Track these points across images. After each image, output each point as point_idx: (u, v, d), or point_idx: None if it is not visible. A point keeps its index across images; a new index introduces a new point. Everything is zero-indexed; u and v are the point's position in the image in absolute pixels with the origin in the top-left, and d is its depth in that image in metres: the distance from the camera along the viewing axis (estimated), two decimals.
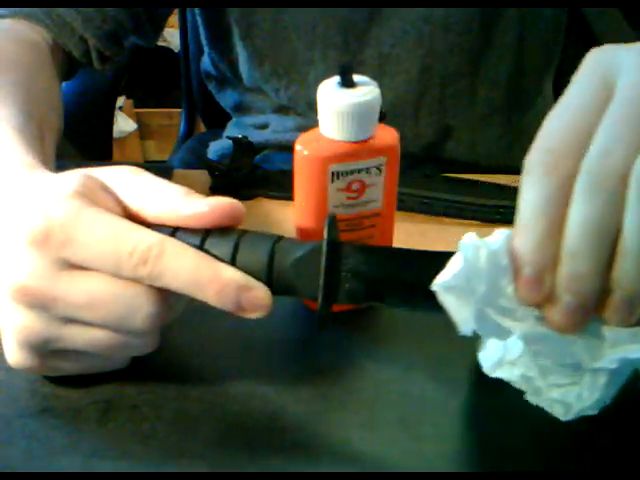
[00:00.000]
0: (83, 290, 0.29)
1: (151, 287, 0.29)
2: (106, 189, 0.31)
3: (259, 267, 0.30)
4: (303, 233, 0.37)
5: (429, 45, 0.61)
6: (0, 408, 0.33)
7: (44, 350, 0.31)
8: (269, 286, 0.30)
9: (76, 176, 0.31)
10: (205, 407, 0.33)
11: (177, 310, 0.32)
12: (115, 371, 0.35)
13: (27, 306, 0.29)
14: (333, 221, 0.31)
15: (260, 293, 0.29)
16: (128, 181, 0.32)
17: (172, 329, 0.34)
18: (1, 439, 0.32)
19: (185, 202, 0.31)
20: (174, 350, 0.37)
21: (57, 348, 0.31)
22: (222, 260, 0.30)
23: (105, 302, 0.29)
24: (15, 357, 0.31)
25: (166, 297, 0.30)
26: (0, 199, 0.33)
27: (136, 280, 0.29)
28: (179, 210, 0.30)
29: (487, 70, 0.63)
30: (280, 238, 0.32)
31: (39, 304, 0.29)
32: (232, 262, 0.30)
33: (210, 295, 0.29)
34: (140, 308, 0.29)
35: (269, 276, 0.30)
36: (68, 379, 0.34)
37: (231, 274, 0.29)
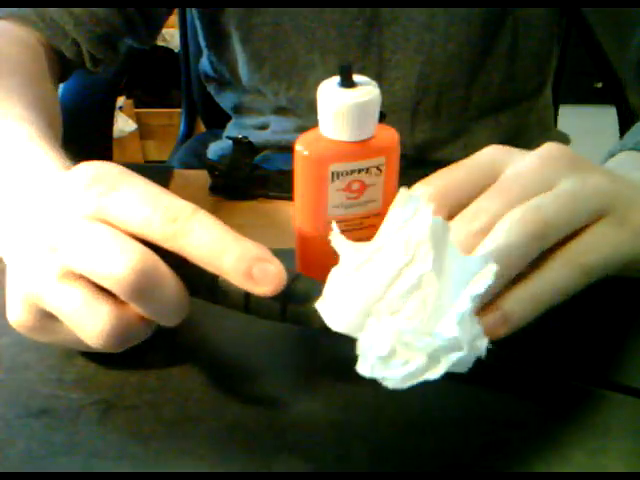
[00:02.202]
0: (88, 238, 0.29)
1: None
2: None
3: (273, 310, 0.30)
4: (303, 233, 0.37)
5: (429, 53, 0.61)
6: (0, 408, 0.33)
7: (39, 308, 0.31)
8: (283, 310, 0.30)
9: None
10: (205, 407, 0.33)
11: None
12: (115, 371, 0.35)
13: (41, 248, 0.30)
14: None
15: (274, 266, 0.29)
16: None
17: (172, 329, 0.34)
18: (1, 439, 0.32)
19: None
20: (174, 350, 0.37)
21: (50, 309, 0.31)
22: (236, 299, 0.30)
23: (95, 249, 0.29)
24: (14, 314, 0.32)
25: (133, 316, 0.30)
26: (37, 201, 0.33)
27: (160, 239, 0.29)
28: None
29: (481, 78, 0.64)
30: (297, 277, 0.31)
31: (64, 244, 0.30)
32: (245, 301, 0.30)
33: (225, 263, 0.29)
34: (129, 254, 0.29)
35: (282, 316, 0.31)
36: (69, 378, 0.34)
37: (250, 245, 0.29)
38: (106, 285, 0.29)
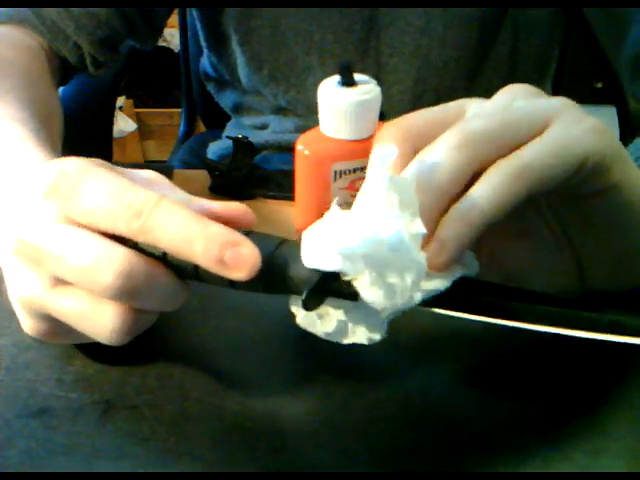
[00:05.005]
0: (74, 249, 0.29)
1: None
2: (114, 169, 0.32)
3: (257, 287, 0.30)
4: None
5: (425, 57, 0.61)
6: (0, 408, 0.33)
7: (45, 315, 0.31)
8: (265, 281, 0.30)
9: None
10: (205, 407, 0.33)
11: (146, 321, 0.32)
12: (115, 371, 0.35)
13: (25, 260, 0.30)
14: None
15: (245, 250, 0.28)
16: (144, 176, 0.33)
17: (172, 329, 0.34)
18: (1, 439, 0.32)
19: (199, 201, 0.31)
20: (174, 350, 0.37)
21: (55, 316, 0.31)
22: (218, 278, 0.29)
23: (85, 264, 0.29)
24: (25, 324, 0.32)
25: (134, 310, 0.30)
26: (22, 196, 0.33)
27: (129, 236, 0.29)
28: (193, 206, 0.31)
29: (481, 84, 0.64)
30: (284, 241, 0.31)
31: (34, 260, 0.30)
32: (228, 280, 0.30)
33: (197, 251, 0.28)
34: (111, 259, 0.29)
35: (267, 270, 0.29)
36: (69, 378, 0.34)
37: (219, 229, 0.28)
38: (96, 292, 0.29)
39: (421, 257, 0.28)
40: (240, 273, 0.28)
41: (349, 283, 0.29)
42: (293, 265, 0.29)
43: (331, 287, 0.29)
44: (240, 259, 0.28)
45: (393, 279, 0.28)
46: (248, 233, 0.31)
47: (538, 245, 0.35)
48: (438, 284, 0.29)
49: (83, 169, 0.30)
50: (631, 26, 0.60)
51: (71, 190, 0.29)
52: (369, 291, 0.28)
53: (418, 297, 0.29)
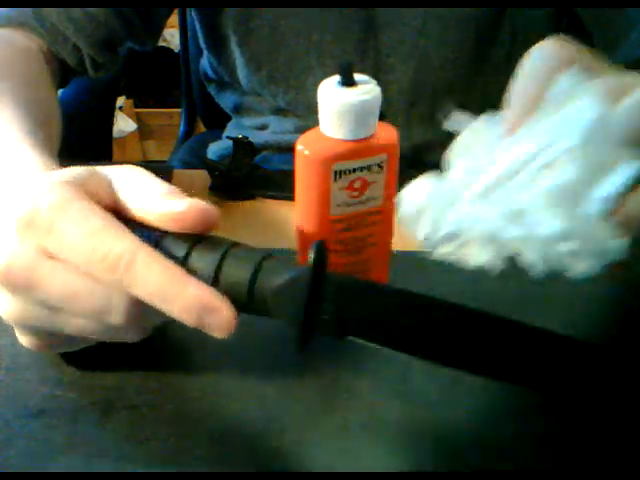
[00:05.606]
0: (61, 281, 0.29)
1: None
2: (101, 181, 0.31)
3: (240, 288, 0.29)
4: (304, 234, 0.37)
5: (422, 58, 0.61)
6: (0, 408, 0.33)
7: (42, 332, 0.31)
8: (248, 305, 0.29)
9: (74, 168, 0.31)
10: (205, 407, 0.33)
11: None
12: (115, 371, 0.35)
13: (12, 290, 0.30)
14: (321, 248, 0.30)
15: (223, 316, 0.28)
16: (124, 177, 0.32)
17: (172, 330, 0.34)
18: (1, 439, 0.32)
19: (164, 201, 0.30)
20: (174, 351, 0.37)
21: (53, 331, 0.31)
22: (203, 274, 0.29)
23: (80, 296, 0.29)
24: (22, 339, 0.32)
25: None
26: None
27: (108, 284, 0.29)
28: (156, 208, 0.30)
29: (478, 84, 0.64)
30: (268, 256, 0.30)
31: (22, 288, 0.29)
32: (214, 277, 0.29)
33: (175, 310, 0.28)
34: (114, 305, 0.29)
35: (249, 297, 0.29)
36: (68, 378, 0.34)
37: (196, 292, 0.28)
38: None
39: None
40: (218, 334, 0.29)
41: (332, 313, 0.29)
42: (272, 296, 0.29)
43: (316, 321, 0.29)
44: (217, 324, 0.28)
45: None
46: (232, 245, 0.30)
47: None
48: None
49: (59, 204, 0.29)
50: (621, 40, 0.60)
51: (45, 228, 0.29)
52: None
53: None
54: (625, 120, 0.28)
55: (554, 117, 0.28)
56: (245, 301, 0.29)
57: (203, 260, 0.30)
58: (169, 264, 0.28)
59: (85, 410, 0.33)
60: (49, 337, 0.32)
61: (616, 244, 0.27)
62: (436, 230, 0.29)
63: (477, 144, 0.30)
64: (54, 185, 0.29)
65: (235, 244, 0.31)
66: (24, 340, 0.32)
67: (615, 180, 0.27)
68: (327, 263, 0.31)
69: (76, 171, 0.31)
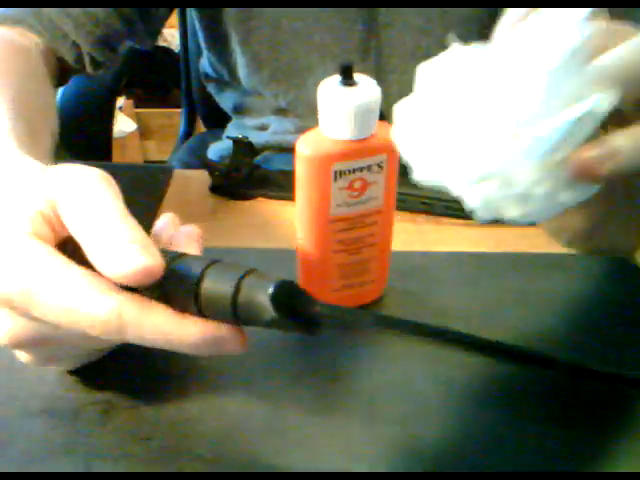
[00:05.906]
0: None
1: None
2: (49, 218, 0.29)
3: (223, 309, 0.28)
4: (304, 234, 0.37)
5: (424, 58, 0.61)
6: (0, 408, 0.33)
7: (37, 349, 0.31)
8: (235, 319, 0.28)
9: (34, 201, 0.29)
10: (205, 407, 0.33)
11: None
12: (115, 371, 0.35)
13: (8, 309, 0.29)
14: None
15: (232, 345, 0.28)
16: (71, 205, 0.29)
17: None
18: (1, 439, 0.32)
19: (106, 260, 0.27)
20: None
21: (49, 350, 0.31)
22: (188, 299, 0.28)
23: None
24: (20, 357, 0.32)
25: None
26: None
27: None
28: (98, 264, 0.27)
29: None
30: (249, 272, 0.28)
31: (21, 308, 0.28)
32: (195, 297, 0.28)
33: (184, 350, 0.28)
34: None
35: (234, 311, 0.28)
36: (68, 378, 0.34)
37: (198, 329, 0.27)
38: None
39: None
40: (234, 354, 0.28)
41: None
42: (258, 309, 0.27)
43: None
44: (229, 349, 0.28)
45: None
46: (213, 262, 0.28)
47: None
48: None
49: (30, 281, 0.27)
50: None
51: (26, 305, 0.27)
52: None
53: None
54: (619, 60, 0.26)
55: (540, 33, 0.26)
56: (230, 318, 0.28)
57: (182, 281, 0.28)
58: (159, 309, 0.27)
59: (85, 410, 0.33)
60: (46, 353, 0.31)
61: (541, 190, 0.25)
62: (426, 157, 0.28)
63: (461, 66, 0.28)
64: (16, 246, 0.27)
65: (214, 261, 0.29)
66: (22, 357, 0.32)
67: (570, 114, 0.24)
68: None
69: (22, 218, 0.28)
